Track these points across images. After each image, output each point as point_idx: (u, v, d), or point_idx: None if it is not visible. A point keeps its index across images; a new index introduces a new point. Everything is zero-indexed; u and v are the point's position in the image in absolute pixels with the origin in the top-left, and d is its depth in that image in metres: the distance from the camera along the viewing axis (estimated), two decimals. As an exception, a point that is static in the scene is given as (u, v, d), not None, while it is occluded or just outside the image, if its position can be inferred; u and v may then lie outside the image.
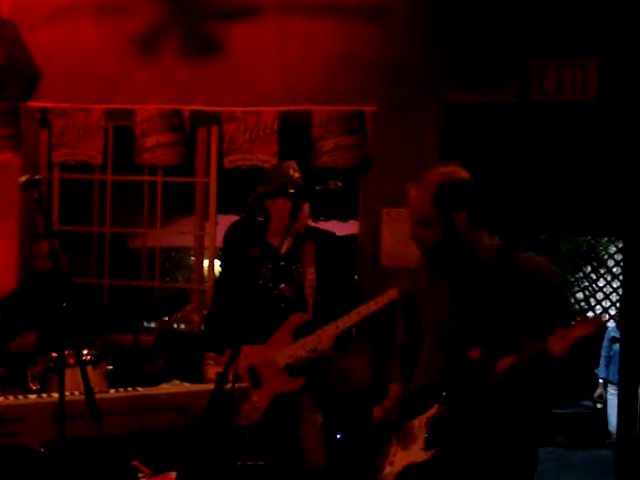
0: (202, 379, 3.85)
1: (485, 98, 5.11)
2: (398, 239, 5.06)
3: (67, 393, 2.97)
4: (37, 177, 3.11)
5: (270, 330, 3.82)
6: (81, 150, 5.66)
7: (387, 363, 3.11)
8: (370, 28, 5.20)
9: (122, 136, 5.66)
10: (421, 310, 2.93)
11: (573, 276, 12.96)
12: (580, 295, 12.76)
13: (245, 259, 3.96)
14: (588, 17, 4.88)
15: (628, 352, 5.74)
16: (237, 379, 3.02)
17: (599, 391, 8.56)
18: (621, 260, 11.86)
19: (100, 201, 5.89)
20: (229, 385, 2.93)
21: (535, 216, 7.65)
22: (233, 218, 4.76)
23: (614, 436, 7.23)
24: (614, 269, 12.60)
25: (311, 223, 4.06)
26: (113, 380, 4.32)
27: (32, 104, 5.70)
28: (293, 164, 3.96)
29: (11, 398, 3.13)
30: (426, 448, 2.69)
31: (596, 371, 8.38)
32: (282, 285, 3.90)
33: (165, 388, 3.48)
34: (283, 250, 3.89)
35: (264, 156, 5.32)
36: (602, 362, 8.28)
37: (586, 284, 12.93)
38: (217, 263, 5.79)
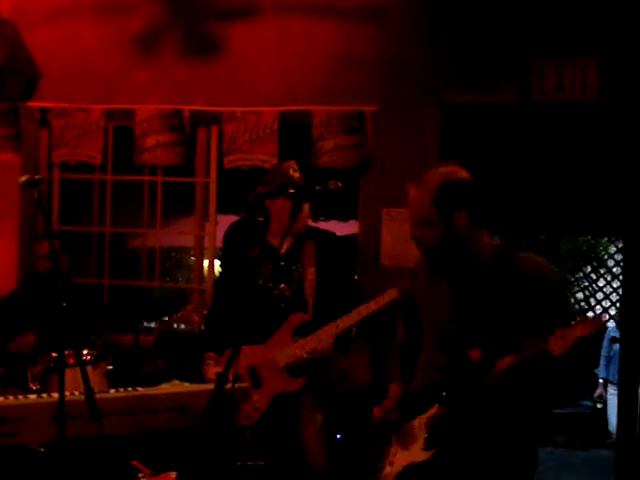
0: (202, 379, 3.84)
1: (485, 98, 5.10)
2: (398, 239, 5.06)
3: (67, 393, 2.97)
4: (37, 177, 3.11)
5: (270, 330, 3.82)
6: (81, 150, 5.66)
7: (387, 363, 3.11)
8: (370, 28, 5.20)
9: (122, 136, 5.66)
10: (421, 310, 2.93)
11: (573, 276, 12.96)
12: (580, 295, 12.76)
13: (245, 259, 3.96)
14: (588, 18, 4.88)
15: (628, 352, 5.74)
16: (237, 379, 3.02)
17: (599, 391, 8.56)
18: (621, 260, 11.86)
19: (100, 201, 5.89)
20: (229, 385, 2.93)
21: (535, 216, 7.65)
22: (233, 218, 4.76)
23: (614, 436, 7.23)
24: (614, 269, 12.61)
25: (311, 223, 4.06)
26: (113, 380, 4.32)
27: (32, 104, 5.70)
28: (293, 164, 3.96)
29: (11, 398, 3.13)
30: (426, 448, 2.69)
31: (596, 371, 8.38)
32: (282, 285, 3.90)
33: (165, 388, 3.48)
34: (283, 250, 3.89)
35: (264, 156, 5.32)
36: (602, 362, 8.28)
37: (586, 284, 12.93)
38: (217, 263, 5.79)
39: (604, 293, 12.63)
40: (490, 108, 5.26)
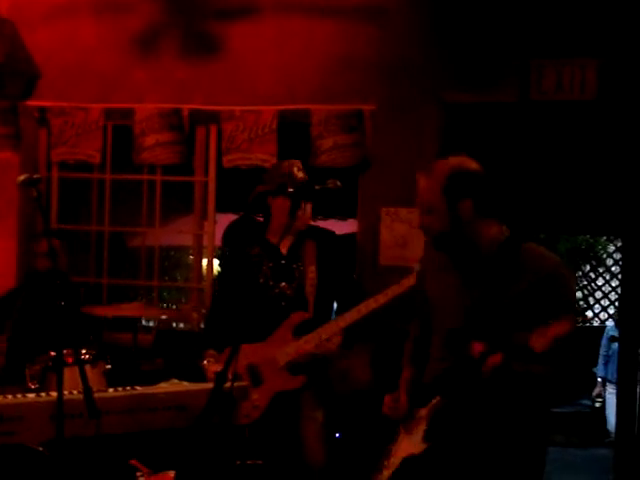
0: (202, 375, 3.84)
1: (484, 97, 5.11)
2: (397, 238, 5.06)
3: (66, 392, 2.96)
4: (36, 176, 3.11)
5: (271, 329, 3.83)
6: (80, 149, 5.66)
7: (400, 358, 3.13)
8: (369, 28, 5.20)
9: (121, 135, 5.66)
10: (431, 304, 2.94)
11: (572, 275, 12.97)
12: (579, 294, 12.77)
13: (245, 258, 3.96)
14: (587, 18, 4.88)
15: (627, 351, 5.74)
16: (236, 378, 3.02)
17: (598, 390, 8.54)
18: (620, 259, 11.88)
19: (99, 200, 5.88)
20: (228, 384, 2.93)
21: (534, 215, 7.65)
22: (232, 217, 4.78)
23: (613, 435, 7.22)
24: (613, 268, 12.63)
25: (310, 222, 4.06)
26: (112, 379, 4.32)
27: (31, 103, 5.70)
28: (298, 163, 3.95)
29: (10, 397, 3.12)
30: (424, 440, 2.70)
31: (595, 370, 8.38)
32: (283, 284, 3.90)
33: (164, 387, 3.48)
34: (284, 249, 3.90)
35: (263, 155, 5.32)
36: (601, 361, 8.26)
37: (585, 283, 12.95)
38: (216, 262, 5.79)
39: (603, 292, 12.66)
40: (490, 108, 5.26)
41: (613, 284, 12.49)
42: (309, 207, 3.89)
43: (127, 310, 4.55)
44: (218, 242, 5.94)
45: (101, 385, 4.11)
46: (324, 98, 5.23)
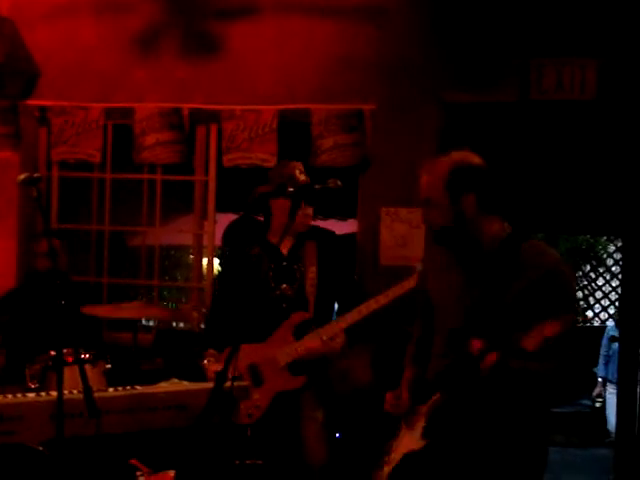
0: (202, 374, 3.84)
1: (484, 97, 5.11)
2: (397, 238, 5.06)
3: (66, 392, 2.97)
4: (36, 175, 3.11)
5: (272, 330, 3.83)
6: (80, 148, 5.66)
7: (401, 358, 3.13)
8: (369, 28, 5.20)
9: (121, 134, 5.65)
10: (433, 304, 2.95)
11: (572, 275, 12.97)
12: (579, 294, 12.77)
13: (245, 258, 3.97)
14: (587, 17, 4.88)
15: (627, 351, 5.73)
16: (237, 378, 3.02)
17: (598, 390, 8.55)
18: (620, 259, 11.88)
19: (99, 199, 5.88)
20: (228, 383, 2.93)
21: (534, 215, 7.65)
22: (232, 217, 4.77)
23: (613, 435, 7.22)
24: (613, 268, 12.64)
25: (311, 223, 4.06)
26: (112, 379, 4.31)
27: (31, 102, 5.69)
28: (300, 166, 3.95)
29: (10, 396, 3.13)
30: (423, 436, 2.71)
31: (595, 370, 8.38)
32: (284, 285, 3.90)
33: (164, 387, 3.48)
34: (284, 249, 3.91)
35: (263, 155, 5.32)
36: (601, 361, 8.27)
37: (585, 283, 12.95)
38: (216, 262, 5.79)
39: (603, 292, 12.66)
40: (489, 107, 5.26)
41: (613, 284, 12.49)
42: (310, 210, 3.90)
43: (127, 310, 4.54)
44: (218, 242, 5.94)
45: (101, 384, 4.10)
46: (324, 98, 5.23)
